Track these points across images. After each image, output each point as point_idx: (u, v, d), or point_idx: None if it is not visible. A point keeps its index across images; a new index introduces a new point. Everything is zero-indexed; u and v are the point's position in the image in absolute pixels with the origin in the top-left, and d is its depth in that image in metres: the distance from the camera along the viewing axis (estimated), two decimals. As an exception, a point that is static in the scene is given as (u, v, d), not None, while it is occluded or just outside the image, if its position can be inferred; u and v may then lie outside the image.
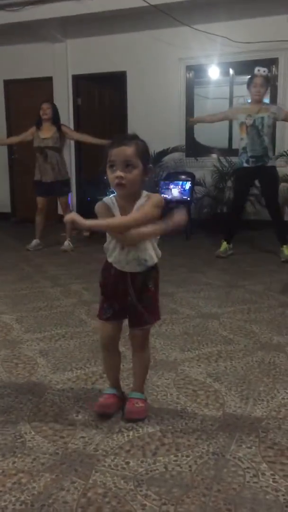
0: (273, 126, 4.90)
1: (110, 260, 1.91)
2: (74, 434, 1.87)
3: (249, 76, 4.87)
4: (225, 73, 7.46)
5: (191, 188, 6.34)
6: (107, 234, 1.91)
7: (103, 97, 7.69)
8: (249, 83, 4.82)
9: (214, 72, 7.41)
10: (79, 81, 7.40)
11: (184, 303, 3.55)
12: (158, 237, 1.91)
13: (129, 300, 1.92)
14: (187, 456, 1.73)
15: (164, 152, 6.63)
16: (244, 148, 4.83)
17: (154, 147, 6.52)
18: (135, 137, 1.82)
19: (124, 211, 1.83)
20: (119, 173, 1.75)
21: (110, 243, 1.90)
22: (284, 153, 6.17)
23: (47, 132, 5.53)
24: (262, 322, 3.13)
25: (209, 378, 2.35)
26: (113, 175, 1.77)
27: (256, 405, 2.08)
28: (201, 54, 6.64)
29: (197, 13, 6.36)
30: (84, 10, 6.48)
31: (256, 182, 5.15)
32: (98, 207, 1.85)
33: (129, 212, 1.82)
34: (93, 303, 3.54)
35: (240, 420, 1.96)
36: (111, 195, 1.87)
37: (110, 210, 1.84)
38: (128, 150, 1.76)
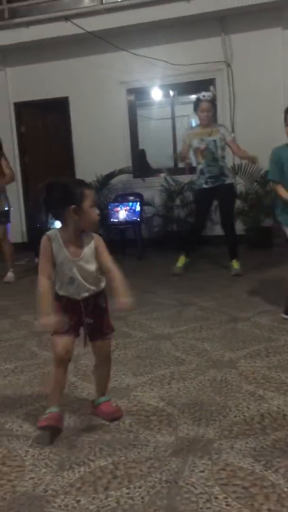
0: (224, 146, 4.98)
1: (61, 293, 2.06)
2: (22, 475, 1.80)
3: (195, 100, 4.97)
4: (166, 94, 7.63)
5: (141, 209, 6.39)
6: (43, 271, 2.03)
7: (46, 123, 7.66)
8: (196, 108, 4.94)
9: (155, 94, 7.57)
10: (21, 108, 7.36)
11: (136, 325, 3.53)
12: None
13: (84, 318, 2.07)
14: (140, 487, 1.69)
15: (111, 175, 6.66)
16: (202, 170, 4.91)
17: (101, 170, 6.57)
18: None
19: (70, 243, 2.00)
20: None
21: (57, 280, 2.04)
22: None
23: None
24: (214, 339, 3.14)
25: (161, 402, 2.33)
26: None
27: (208, 426, 2.07)
28: (142, 77, 6.76)
29: (136, 38, 6.48)
30: (20, 38, 6.51)
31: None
32: (42, 240, 2.03)
33: (75, 245, 2.00)
34: (45, 334, 3.47)
35: (192, 444, 1.94)
36: (55, 229, 2.03)
37: (52, 242, 2.01)
38: None
